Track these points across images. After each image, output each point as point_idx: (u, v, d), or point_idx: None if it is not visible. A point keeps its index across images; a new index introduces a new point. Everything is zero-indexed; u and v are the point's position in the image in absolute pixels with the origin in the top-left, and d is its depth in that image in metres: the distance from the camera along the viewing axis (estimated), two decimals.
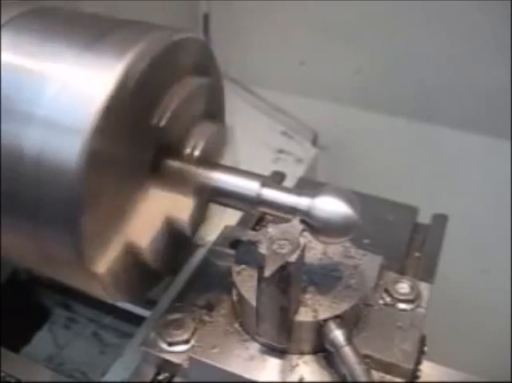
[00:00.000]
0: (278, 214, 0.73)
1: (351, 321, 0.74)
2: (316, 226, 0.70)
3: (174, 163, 0.74)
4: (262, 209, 0.74)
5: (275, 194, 0.73)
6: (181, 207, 0.75)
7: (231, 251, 0.84)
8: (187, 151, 0.75)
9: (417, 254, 0.95)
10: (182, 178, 0.74)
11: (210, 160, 0.77)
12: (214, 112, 0.84)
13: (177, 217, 0.76)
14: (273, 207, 0.73)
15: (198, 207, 0.77)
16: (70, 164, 0.62)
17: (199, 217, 0.80)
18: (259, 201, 0.73)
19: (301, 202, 0.71)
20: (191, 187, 0.74)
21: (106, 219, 0.67)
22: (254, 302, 0.71)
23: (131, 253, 0.73)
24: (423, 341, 0.77)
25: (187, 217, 0.76)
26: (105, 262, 0.69)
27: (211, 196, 0.77)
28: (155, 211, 0.74)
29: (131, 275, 0.75)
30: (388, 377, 0.72)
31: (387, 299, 0.79)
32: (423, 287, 0.80)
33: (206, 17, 1.70)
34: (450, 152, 1.57)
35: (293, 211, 0.71)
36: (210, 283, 0.81)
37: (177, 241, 0.80)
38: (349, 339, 0.69)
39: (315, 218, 0.70)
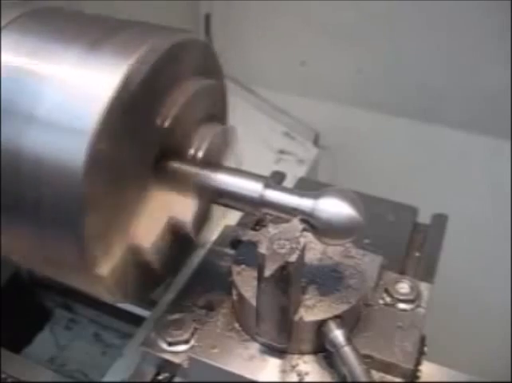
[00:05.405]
0: (281, 215, 0.73)
1: (351, 321, 0.74)
2: (319, 227, 0.70)
3: (177, 165, 0.74)
4: (265, 210, 0.74)
5: (278, 195, 0.73)
6: (184, 208, 0.75)
7: (231, 251, 0.84)
8: (190, 152, 0.75)
9: (417, 254, 0.95)
10: (185, 179, 0.74)
11: (213, 162, 0.77)
12: (217, 113, 0.84)
13: (180, 219, 0.76)
14: (276, 208, 0.73)
15: (201, 209, 0.77)
16: (74, 165, 0.62)
17: (202, 218, 0.80)
18: (262, 202, 0.73)
19: (304, 203, 0.71)
20: (193, 189, 0.75)
21: (109, 220, 0.67)
22: (254, 302, 0.71)
23: (133, 254, 0.73)
24: (423, 341, 0.77)
25: (190, 219, 0.76)
26: (108, 263, 0.69)
27: (214, 198, 0.77)
28: (158, 212, 0.74)
29: (134, 276, 0.75)
30: (388, 377, 0.72)
31: (387, 299, 0.79)
32: (423, 287, 0.80)
33: (207, 18, 1.70)
34: (450, 151, 1.57)
35: (295, 212, 0.71)
36: (210, 283, 0.81)
37: (179, 242, 0.80)
38: (349, 339, 0.69)
39: (318, 219, 0.69)
